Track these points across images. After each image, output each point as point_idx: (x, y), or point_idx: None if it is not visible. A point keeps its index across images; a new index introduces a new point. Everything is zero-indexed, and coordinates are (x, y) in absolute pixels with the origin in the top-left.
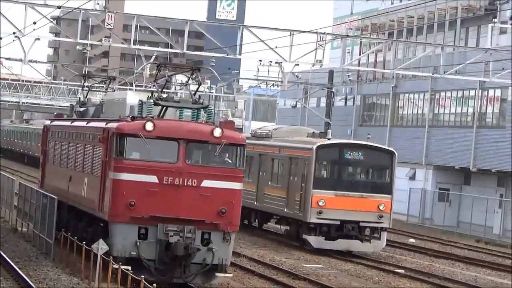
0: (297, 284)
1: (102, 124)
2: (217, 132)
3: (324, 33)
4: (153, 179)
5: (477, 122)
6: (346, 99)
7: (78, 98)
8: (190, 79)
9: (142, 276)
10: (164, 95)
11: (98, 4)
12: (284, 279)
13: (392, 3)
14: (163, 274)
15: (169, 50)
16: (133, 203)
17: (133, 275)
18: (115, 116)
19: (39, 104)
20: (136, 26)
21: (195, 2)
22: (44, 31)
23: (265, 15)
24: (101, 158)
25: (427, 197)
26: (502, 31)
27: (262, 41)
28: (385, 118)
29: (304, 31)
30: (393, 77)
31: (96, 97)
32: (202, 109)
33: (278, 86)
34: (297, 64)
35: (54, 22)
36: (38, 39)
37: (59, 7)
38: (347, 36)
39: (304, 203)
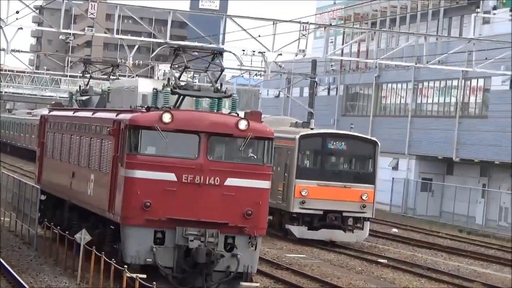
0: (280, 274)
1: (112, 115)
2: (243, 124)
3: (307, 22)
4: (171, 177)
5: (460, 112)
6: (329, 89)
7: (78, 86)
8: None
9: None
10: (182, 83)
11: None
12: (267, 268)
13: None
14: (182, 284)
15: (152, 39)
16: (149, 204)
17: None
18: (125, 106)
19: (22, 93)
20: (119, 16)
21: None
22: (27, 20)
23: (248, 4)
24: (111, 153)
25: (410, 187)
26: (485, 21)
27: (245, 30)
28: (368, 108)
29: (287, 21)
30: (376, 67)
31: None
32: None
33: (261, 76)
34: (280, 54)
35: (37, 11)
36: (21, 28)
37: None
38: (330, 25)
39: (287, 193)
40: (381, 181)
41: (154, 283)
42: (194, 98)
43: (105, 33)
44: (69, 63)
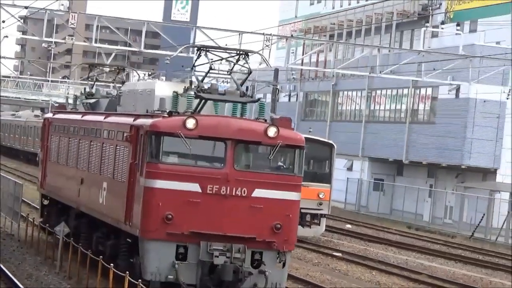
0: None
1: (128, 120)
2: (272, 131)
3: (270, 34)
4: (195, 187)
5: (410, 118)
6: (290, 95)
7: (83, 89)
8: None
9: None
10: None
11: (62, 5)
12: None
13: (333, 8)
14: None
15: (128, 48)
16: (171, 216)
17: None
18: (139, 110)
19: (6, 97)
20: (98, 26)
21: (152, 3)
22: (12, 29)
23: (217, 16)
24: (127, 160)
25: (363, 187)
26: (434, 35)
27: (213, 40)
28: (326, 114)
29: (251, 32)
30: (333, 75)
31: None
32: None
33: (227, 83)
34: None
35: (22, 21)
36: (7, 36)
37: (26, 7)
38: (292, 37)
39: None
40: (337, 181)
41: None
42: (214, 102)
43: (84, 41)
44: (50, 68)
